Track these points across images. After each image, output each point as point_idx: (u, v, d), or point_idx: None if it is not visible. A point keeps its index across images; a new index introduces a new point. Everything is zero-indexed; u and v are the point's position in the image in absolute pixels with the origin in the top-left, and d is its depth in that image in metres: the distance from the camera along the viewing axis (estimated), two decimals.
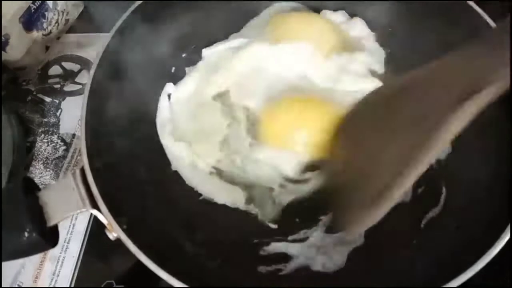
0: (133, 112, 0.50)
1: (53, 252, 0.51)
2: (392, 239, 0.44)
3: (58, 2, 0.69)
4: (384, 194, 0.33)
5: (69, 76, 0.67)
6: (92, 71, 0.46)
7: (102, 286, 0.49)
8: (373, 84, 0.52)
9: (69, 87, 0.66)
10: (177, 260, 0.41)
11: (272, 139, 0.49)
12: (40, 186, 0.42)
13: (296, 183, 0.49)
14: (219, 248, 0.45)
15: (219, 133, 0.52)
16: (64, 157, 0.59)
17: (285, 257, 0.45)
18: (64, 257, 0.51)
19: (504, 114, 0.43)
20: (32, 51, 0.66)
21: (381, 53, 0.56)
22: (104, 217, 0.38)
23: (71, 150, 0.60)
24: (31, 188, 0.40)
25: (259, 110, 0.51)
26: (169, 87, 0.55)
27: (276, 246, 0.46)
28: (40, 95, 0.65)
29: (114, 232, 0.37)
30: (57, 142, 0.61)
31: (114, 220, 0.37)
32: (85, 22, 0.74)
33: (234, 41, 0.58)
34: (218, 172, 0.50)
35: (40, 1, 0.66)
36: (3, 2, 0.59)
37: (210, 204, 0.49)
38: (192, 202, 0.49)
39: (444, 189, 0.47)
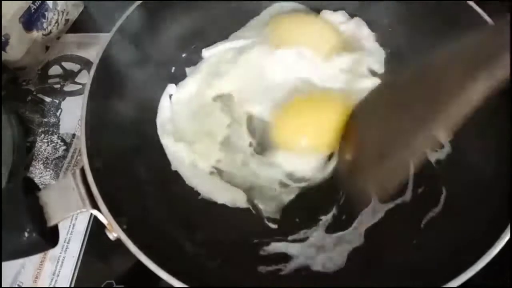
0: (133, 112, 0.50)
1: (53, 252, 0.51)
2: (392, 239, 0.44)
3: (58, 2, 0.69)
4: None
5: (69, 76, 0.67)
6: (92, 71, 0.46)
7: (102, 286, 0.49)
8: (374, 83, 0.52)
9: (69, 87, 0.66)
10: (177, 260, 0.41)
11: (289, 143, 0.49)
12: (40, 186, 0.42)
13: (301, 181, 0.49)
14: (219, 248, 0.45)
15: (219, 133, 0.52)
16: (64, 157, 0.59)
17: (285, 257, 0.45)
18: (64, 257, 0.51)
19: (504, 114, 0.43)
20: (32, 51, 0.66)
21: (381, 53, 0.57)
22: (104, 217, 0.38)
23: (71, 150, 0.60)
24: (31, 188, 0.40)
25: (262, 114, 0.52)
26: (170, 88, 0.55)
27: (276, 246, 0.46)
28: (40, 95, 0.65)
29: (114, 232, 0.37)
30: (57, 142, 0.61)
31: (114, 220, 0.37)
32: (85, 22, 0.74)
33: (234, 42, 0.58)
34: (218, 172, 0.50)
35: (40, 1, 0.66)
36: (3, 2, 0.59)
37: (210, 204, 0.48)
38: (192, 202, 0.49)
39: (444, 189, 0.47)
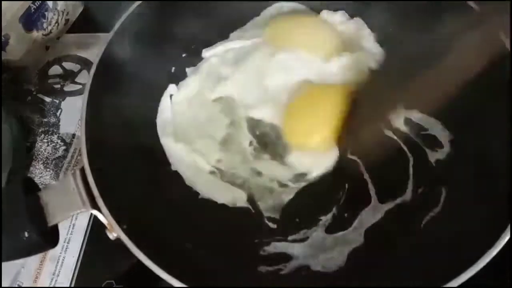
0: (133, 112, 0.50)
1: (53, 252, 0.51)
2: (392, 239, 0.44)
3: (58, 2, 0.69)
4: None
5: (69, 76, 0.67)
6: (92, 71, 0.46)
7: (102, 286, 0.49)
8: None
9: (69, 87, 0.66)
10: (177, 260, 0.41)
11: (302, 143, 0.50)
12: (40, 186, 0.42)
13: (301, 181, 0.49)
14: (219, 248, 0.45)
15: (219, 133, 0.52)
16: (64, 157, 0.59)
17: (285, 257, 0.45)
18: (64, 257, 0.51)
19: (504, 114, 0.43)
20: (32, 51, 0.66)
21: (381, 53, 0.56)
22: (104, 217, 0.38)
23: (71, 150, 0.60)
24: (31, 188, 0.40)
25: (264, 117, 0.52)
26: (171, 88, 0.55)
27: (276, 246, 0.46)
28: (40, 95, 0.65)
29: (114, 232, 0.37)
30: (57, 142, 0.61)
31: (114, 220, 0.37)
32: (85, 22, 0.74)
33: (234, 42, 0.58)
34: (218, 172, 0.50)
35: (40, 1, 0.66)
36: (3, 2, 0.59)
37: (210, 204, 0.49)
38: (192, 202, 0.49)
39: (444, 189, 0.47)
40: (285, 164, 0.50)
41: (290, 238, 0.46)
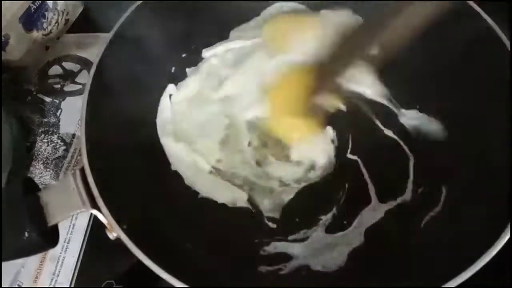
0: (133, 112, 0.50)
1: (53, 252, 0.51)
2: (392, 239, 0.44)
3: (58, 2, 0.69)
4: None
5: (69, 76, 0.67)
6: (92, 71, 0.46)
7: (102, 286, 0.49)
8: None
9: (69, 87, 0.66)
10: (177, 260, 0.41)
11: (291, 135, 0.51)
12: (40, 186, 0.42)
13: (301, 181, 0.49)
14: (219, 248, 0.45)
15: (219, 133, 0.52)
16: (64, 157, 0.59)
17: (285, 257, 0.45)
18: (64, 257, 0.51)
19: (504, 114, 0.43)
20: (32, 51, 0.66)
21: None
22: (104, 217, 0.38)
23: (71, 150, 0.60)
24: (31, 188, 0.40)
25: (264, 116, 0.52)
26: (170, 88, 0.55)
27: (276, 246, 0.46)
28: (40, 95, 0.65)
29: (114, 232, 0.37)
30: (57, 142, 0.61)
31: (114, 220, 0.37)
32: (85, 22, 0.74)
33: (234, 42, 0.58)
34: (218, 172, 0.50)
35: (40, 1, 0.66)
36: (3, 2, 0.59)
37: (210, 204, 0.49)
38: (192, 202, 0.49)
39: (444, 189, 0.47)
40: (290, 161, 0.50)
41: (290, 238, 0.46)
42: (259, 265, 0.44)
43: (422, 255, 0.42)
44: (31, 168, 0.58)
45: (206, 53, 0.58)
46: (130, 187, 0.44)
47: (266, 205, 0.48)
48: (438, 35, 0.51)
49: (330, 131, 0.52)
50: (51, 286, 0.50)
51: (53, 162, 0.59)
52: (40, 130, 0.62)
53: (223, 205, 0.48)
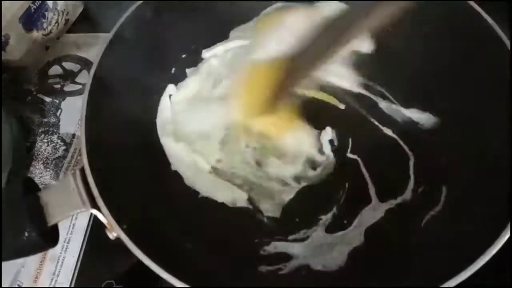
0: (133, 112, 0.50)
1: (53, 252, 0.51)
2: (392, 238, 0.44)
3: (58, 2, 0.69)
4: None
5: (69, 76, 0.67)
6: (92, 71, 0.46)
7: (102, 286, 0.49)
8: None
9: (69, 87, 0.66)
10: (177, 260, 0.41)
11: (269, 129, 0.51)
12: (40, 186, 0.42)
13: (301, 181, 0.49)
14: (219, 248, 0.45)
15: (218, 133, 0.52)
16: (64, 157, 0.59)
17: (285, 257, 0.45)
18: (64, 257, 0.51)
19: (504, 114, 0.43)
20: (32, 51, 0.66)
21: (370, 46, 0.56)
22: (104, 217, 0.38)
23: (71, 150, 0.60)
24: (31, 188, 0.40)
25: None
26: (170, 88, 0.55)
27: (276, 246, 0.46)
28: (40, 95, 0.65)
29: (114, 232, 0.37)
30: (57, 142, 0.61)
31: (114, 220, 0.37)
32: (85, 22, 0.74)
33: (233, 42, 0.58)
34: (218, 172, 0.50)
35: (40, 1, 0.66)
36: (3, 2, 0.59)
37: (210, 204, 0.49)
38: (192, 202, 0.49)
39: (444, 189, 0.47)
40: (287, 158, 0.50)
41: (290, 237, 0.46)
42: (259, 265, 0.44)
43: (422, 254, 0.42)
44: (31, 168, 0.58)
45: (206, 53, 0.58)
46: (130, 187, 0.44)
47: (266, 205, 0.48)
48: (438, 35, 0.51)
49: (329, 131, 0.52)
50: (51, 286, 0.50)
51: (53, 162, 0.59)
52: (40, 130, 0.62)
53: (223, 205, 0.48)
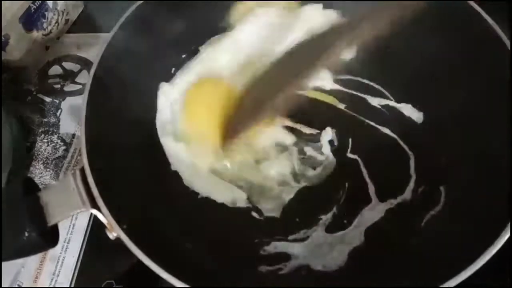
0: (133, 112, 0.50)
1: (53, 252, 0.51)
2: (392, 238, 0.44)
3: (58, 2, 0.69)
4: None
5: (69, 76, 0.67)
6: (92, 71, 0.46)
7: (102, 286, 0.49)
8: None
9: (69, 87, 0.66)
10: (177, 260, 0.41)
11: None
12: (40, 186, 0.42)
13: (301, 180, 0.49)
14: (219, 248, 0.45)
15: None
16: (64, 157, 0.59)
17: (285, 257, 0.45)
18: (64, 257, 0.51)
19: (504, 114, 0.43)
20: (32, 51, 0.66)
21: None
22: (104, 217, 0.38)
23: (71, 150, 0.60)
24: (31, 188, 0.40)
25: None
26: (164, 87, 0.55)
27: (276, 246, 0.46)
28: (40, 95, 0.65)
29: (114, 232, 0.37)
30: (57, 142, 0.61)
31: (114, 220, 0.37)
32: (85, 22, 0.74)
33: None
34: (217, 172, 0.50)
35: (40, 1, 0.66)
36: (3, 2, 0.59)
37: (210, 204, 0.49)
38: (192, 202, 0.49)
39: (444, 189, 0.47)
40: (283, 154, 0.51)
41: (290, 237, 0.46)
42: (259, 265, 0.44)
43: (422, 254, 0.42)
44: (31, 168, 0.58)
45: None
46: (130, 187, 0.44)
47: (266, 205, 0.48)
48: (438, 35, 0.51)
49: (329, 131, 0.52)
50: (51, 286, 0.50)
51: (53, 162, 0.59)
52: (40, 130, 0.62)
53: (223, 205, 0.48)
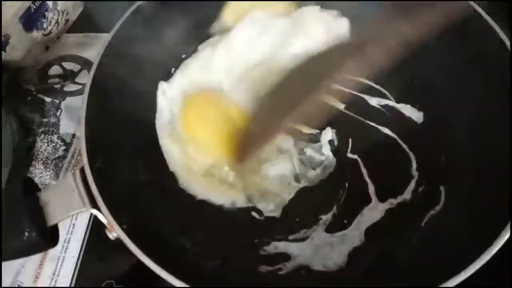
0: (133, 112, 0.50)
1: (53, 252, 0.51)
2: (392, 238, 0.44)
3: (58, 2, 0.69)
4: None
5: (69, 76, 0.67)
6: (92, 71, 0.46)
7: (102, 286, 0.49)
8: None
9: (69, 87, 0.66)
10: (177, 260, 0.41)
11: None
12: (40, 186, 0.42)
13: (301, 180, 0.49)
14: (219, 248, 0.45)
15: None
16: (64, 157, 0.59)
17: (285, 257, 0.45)
18: (64, 257, 0.51)
19: (504, 114, 0.43)
20: (32, 51, 0.66)
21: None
22: (104, 217, 0.38)
23: (71, 150, 0.60)
24: (31, 188, 0.40)
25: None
26: (163, 86, 0.55)
27: (276, 246, 0.46)
28: (40, 95, 0.65)
29: (114, 232, 0.37)
30: (57, 142, 0.61)
31: (114, 220, 0.37)
32: (85, 22, 0.74)
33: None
34: (216, 173, 0.50)
35: (40, 1, 0.66)
36: (3, 2, 0.59)
37: (210, 204, 0.48)
38: (192, 202, 0.49)
39: (444, 188, 0.47)
40: (281, 153, 0.51)
41: (290, 237, 0.46)
42: (259, 265, 0.44)
43: (422, 254, 0.42)
44: (31, 168, 0.58)
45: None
46: (130, 187, 0.44)
47: (266, 205, 0.48)
48: (438, 35, 0.51)
49: (329, 131, 0.52)
50: (51, 286, 0.50)
51: (53, 162, 0.59)
52: (40, 130, 0.62)
53: (223, 205, 0.48)
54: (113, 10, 0.54)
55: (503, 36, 0.45)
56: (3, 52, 0.62)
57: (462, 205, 0.44)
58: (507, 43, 0.44)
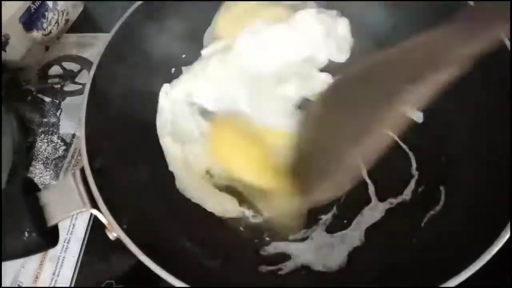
0: (133, 112, 0.50)
1: (53, 252, 0.51)
2: (392, 238, 0.44)
3: (58, 2, 0.69)
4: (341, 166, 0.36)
5: (69, 76, 0.67)
6: (92, 71, 0.46)
7: (102, 286, 0.49)
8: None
9: (69, 87, 0.66)
10: (177, 260, 0.41)
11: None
12: (40, 186, 0.42)
13: None
14: (219, 248, 0.45)
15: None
16: (64, 157, 0.59)
17: (285, 257, 0.45)
18: (64, 257, 0.51)
19: (504, 114, 0.43)
20: (32, 51, 0.66)
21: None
22: (104, 217, 0.38)
23: (71, 150, 0.60)
24: (31, 188, 0.40)
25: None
26: (166, 88, 0.55)
27: (277, 246, 0.46)
28: (40, 95, 0.65)
29: (114, 232, 0.37)
30: (57, 142, 0.61)
31: (114, 220, 0.37)
32: (85, 22, 0.74)
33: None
34: (214, 174, 0.50)
35: (40, 1, 0.66)
36: (3, 2, 0.59)
37: None
38: (192, 202, 0.49)
39: (444, 188, 0.47)
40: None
41: (290, 237, 0.46)
42: (259, 265, 0.44)
43: (422, 254, 0.42)
44: (31, 168, 0.58)
45: (205, 53, 0.58)
46: (130, 187, 0.44)
47: (266, 205, 0.48)
48: None
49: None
50: (51, 286, 0.50)
51: (53, 162, 0.59)
52: (40, 130, 0.62)
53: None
54: (113, 10, 0.54)
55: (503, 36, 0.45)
56: (3, 52, 0.62)
57: (462, 205, 0.44)
58: (507, 43, 0.44)
